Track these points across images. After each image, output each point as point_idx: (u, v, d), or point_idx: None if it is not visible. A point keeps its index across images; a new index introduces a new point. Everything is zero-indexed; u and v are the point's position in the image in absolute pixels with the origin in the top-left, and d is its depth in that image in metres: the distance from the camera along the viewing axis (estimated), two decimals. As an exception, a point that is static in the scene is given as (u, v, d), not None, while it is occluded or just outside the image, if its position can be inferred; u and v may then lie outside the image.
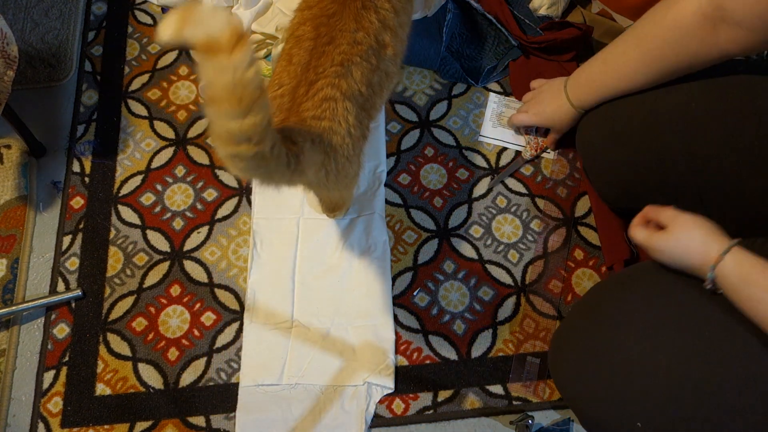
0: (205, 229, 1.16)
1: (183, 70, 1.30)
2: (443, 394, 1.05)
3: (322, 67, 0.79)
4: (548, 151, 1.22)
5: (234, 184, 1.20)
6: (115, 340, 1.07)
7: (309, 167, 0.76)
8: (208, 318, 1.09)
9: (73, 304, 1.09)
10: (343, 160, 0.81)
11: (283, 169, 0.70)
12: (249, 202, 1.18)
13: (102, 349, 1.06)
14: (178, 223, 1.16)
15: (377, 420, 1.02)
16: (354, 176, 0.90)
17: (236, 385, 1.03)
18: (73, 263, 1.12)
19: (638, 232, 0.87)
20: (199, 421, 1.02)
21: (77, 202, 1.17)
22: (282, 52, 0.85)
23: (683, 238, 0.80)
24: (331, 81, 0.78)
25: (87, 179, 1.19)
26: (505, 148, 1.24)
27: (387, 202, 1.18)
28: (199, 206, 1.18)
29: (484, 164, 1.23)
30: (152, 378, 1.04)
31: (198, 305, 1.10)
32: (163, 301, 1.10)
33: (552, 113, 1.14)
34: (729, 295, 0.75)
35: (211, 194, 1.19)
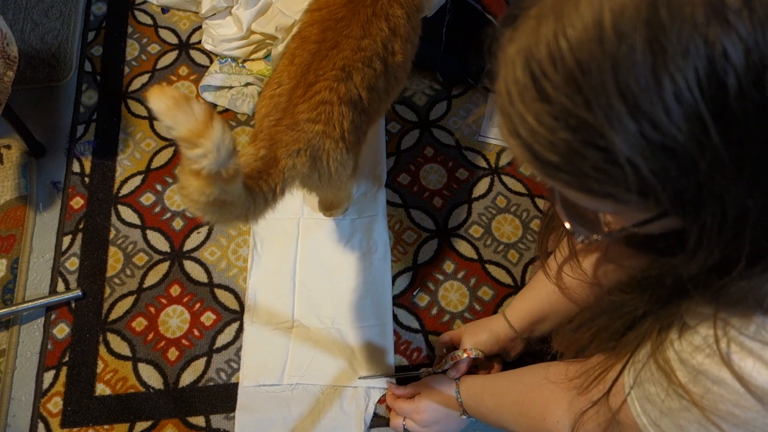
0: (204, 229, 1.16)
1: (183, 70, 1.30)
2: (443, 395, 1.04)
3: (323, 71, 0.79)
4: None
5: (234, 184, 1.20)
6: (115, 340, 1.07)
7: (292, 183, 0.77)
8: (208, 318, 1.09)
9: (73, 304, 1.09)
10: (335, 165, 0.81)
11: (261, 207, 0.73)
12: (249, 202, 1.18)
13: (102, 349, 1.06)
14: (177, 223, 1.16)
15: (376, 420, 1.02)
16: (349, 178, 0.90)
17: (236, 385, 1.03)
18: (73, 263, 1.12)
19: (399, 405, 0.97)
20: (199, 421, 1.02)
21: (77, 202, 1.17)
22: (286, 51, 0.85)
23: (432, 385, 0.94)
24: (330, 84, 0.78)
25: (87, 179, 1.19)
26: (505, 148, 1.24)
27: (387, 202, 1.18)
28: (199, 206, 1.18)
29: (484, 164, 1.23)
30: (152, 378, 1.04)
31: (198, 305, 1.10)
32: (163, 301, 1.10)
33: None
34: (470, 413, 0.90)
35: (211, 194, 1.19)
